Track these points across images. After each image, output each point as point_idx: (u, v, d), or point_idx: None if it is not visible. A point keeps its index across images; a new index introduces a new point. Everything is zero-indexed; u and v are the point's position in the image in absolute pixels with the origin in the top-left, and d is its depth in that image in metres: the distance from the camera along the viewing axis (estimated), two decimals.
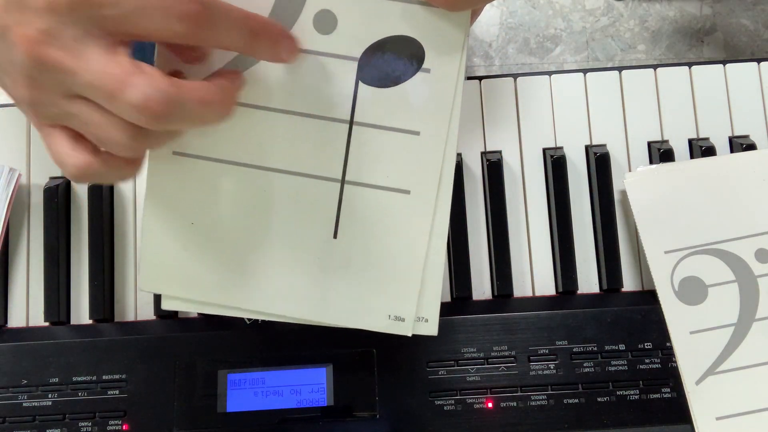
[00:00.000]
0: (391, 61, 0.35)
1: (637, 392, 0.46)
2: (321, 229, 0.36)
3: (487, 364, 0.46)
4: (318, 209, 0.36)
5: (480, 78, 0.53)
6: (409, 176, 0.36)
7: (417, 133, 0.35)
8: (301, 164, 0.36)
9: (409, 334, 0.37)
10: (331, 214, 0.36)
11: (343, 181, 0.36)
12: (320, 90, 0.35)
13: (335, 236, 0.36)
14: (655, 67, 0.53)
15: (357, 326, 0.38)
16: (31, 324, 0.51)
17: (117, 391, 0.46)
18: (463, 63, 0.34)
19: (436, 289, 0.37)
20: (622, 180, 0.51)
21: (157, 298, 0.50)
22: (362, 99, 0.35)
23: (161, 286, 0.38)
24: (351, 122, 0.35)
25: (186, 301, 0.38)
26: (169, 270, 0.37)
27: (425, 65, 0.35)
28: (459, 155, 0.52)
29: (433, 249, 0.36)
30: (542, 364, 0.46)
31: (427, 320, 0.37)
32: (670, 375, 0.46)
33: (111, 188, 0.52)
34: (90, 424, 0.46)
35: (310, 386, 0.46)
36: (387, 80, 0.35)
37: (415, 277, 0.36)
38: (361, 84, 0.35)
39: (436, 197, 0.35)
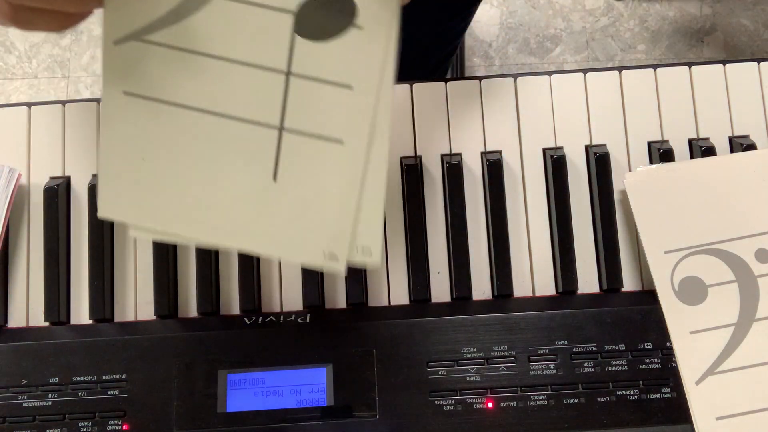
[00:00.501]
0: (325, 16, 0.37)
1: (637, 392, 0.46)
2: (262, 171, 0.39)
3: (487, 364, 0.46)
4: (259, 153, 0.39)
5: (480, 78, 0.53)
6: (343, 128, 0.38)
7: (350, 87, 0.38)
8: (242, 110, 0.38)
9: (343, 273, 0.40)
10: (271, 158, 0.39)
11: (281, 129, 0.38)
12: (259, 41, 0.37)
13: (275, 179, 0.39)
14: (655, 67, 0.53)
15: (294, 260, 0.43)
16: (31, 324, 0.51)
17: (117, 391, 0.46)
18: (395, 23, 0.37)
19: (378, 220, 0.39)
20: (622, 180, 0.51)
21: (158, 298, 0.50)
22: (299, 51, 0.37)
23: (116, 215, 0.40)
24: (288, 73, 0.38)
25: (139, 229, 0.41)
26: (123, 200, 0.40)
27: (358, 22, 0.37)
28: (459, 155, 0.52)
29: (370, 186, 0.38)
30: (542, 364, 0.46)
31: (369, 249, 0.39)
32: (670, 375, 0.46)
33: None
34: (90, 424, 0.46)
35: (310, 386, 0.46)
36: (321, 35, 0.37)
37: (348, 221, 0.39)
38: (297, 37, 0.38)
39: (368, 149, 0.38)
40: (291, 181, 0.39)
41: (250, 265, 0.50)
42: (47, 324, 0.50)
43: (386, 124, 0.38)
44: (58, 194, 0.50)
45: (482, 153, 0.52)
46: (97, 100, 0.53)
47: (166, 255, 0.50)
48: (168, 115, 0.39)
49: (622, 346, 0.46)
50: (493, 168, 0.51)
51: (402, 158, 0.52)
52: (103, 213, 0.40)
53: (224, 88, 0.38)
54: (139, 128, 0.39)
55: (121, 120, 0.39)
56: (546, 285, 0.51)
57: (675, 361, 0.46)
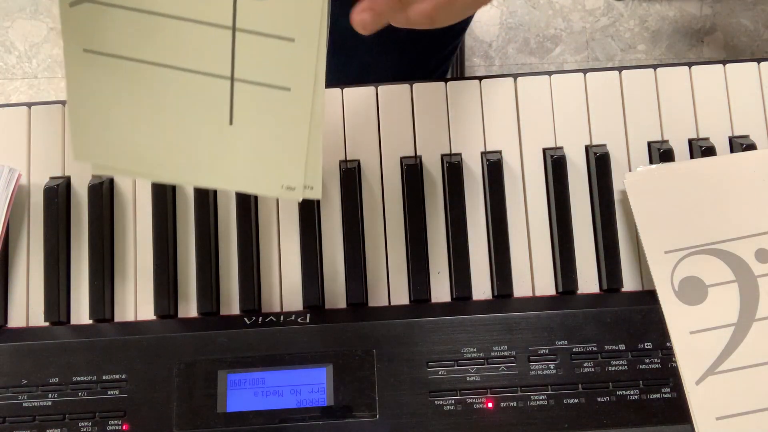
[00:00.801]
0: None
1: (637, 392, 0.46)
2: (218, 117, 0.42)
3: (487, 364, 0.46)
4: (214, 101, 0.42)
5: (480, 78, 0.53)
6: (288, 76, 0.41)
7: (292, 40, 0.41)
8: (195, 63, 0.41)
9: (299, 200, 0.45)
10: (226, 105, 0.42)
11: (232, 79, 0.41)
12: (205, 0, 0.41)
13: (231, 123, 0.42)
14: (655, 67, 0.53)
15: (255, 193, 0.48)
16: (31, 324, 0.51)
17: (117, 391, 0.46)
18: None
19: (317, 161, 0.43)
20: (622, 180, 0.51)
21: (158, 298, 0.50)
22: (242, 9, 0.40)
23: (90, 158, 0.43)
24: (234, 29, 0.41)
25: (111, 169, 0.45)
26: (95, 145, 0.43)
27: None
28: (459, 155, 0.52)
29: (313, 130, 0.42)
30: (542, 364, 0.46)
31: (312, 188, 0.43)
32: (670, 375, 0.46)
33: (111, 188, 0.52)
34: (90, 424, 0.46)
35: (310, 386, 0.46)
36: None
37: (301, 155, 0.42)
38: None
39: (312, 93, 0.41)
40: (246, 125, 0.42)
41: (250, 265, 0.50)
42: (47, 324, 0.50)
43: (323, 68, 0.41)
44: (58, 194, 0.50)
45: (482, 153, 0.52)
46: None
47: (166, 255, 0.50)
48: (127, 69, 0.41)
49: (622, 346, 0.46)
50: (493, 168, 0.51)
51: (402, 158, 0.52)
52: (77, 156, 0.43)
53: (177, 44, 0.41)
54: (101, 82, 0.42)
55: (83, 75, 0.41)
56: (546, 285, 0.51)
57: (675, 361, 0.46)
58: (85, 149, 0.43)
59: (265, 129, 0.42)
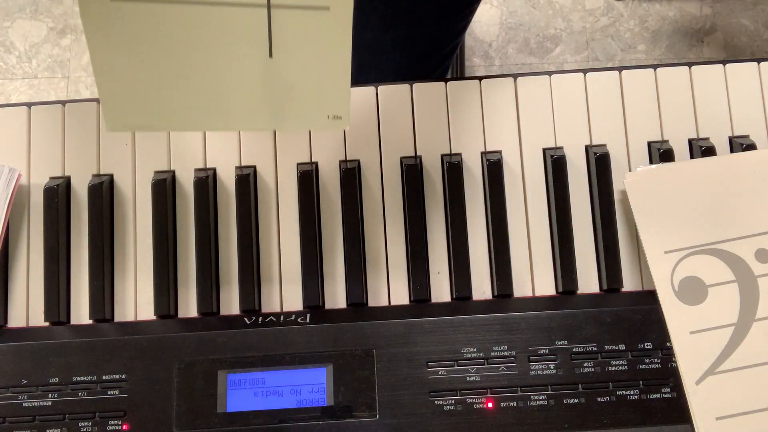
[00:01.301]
0: None
1: (637, 392, 0.46)
2: (257, 51, 0.40)
3: (487, 364, 0.46)
4: (252, 33, 0.40)
5: (480, 78, 0.53)
6: None
7: None
8: None
9: (346, 128, 0.43)
10: (264, 36, 0.40)
11: (269, 5, 0.40)
12: None
13: (271, 55, 0.40)
14: (655, 67, 0.53)
15: (302, 129, 0.45)
16: (31, 324, 0.51)
17: (117, 391, 0.46)
18: None
19: (347, 91, 0.42)
20: (622, 180, 0.51)
21: (158, 298, 0.50)
22: None
23: (123, 125, 0.42)
24: None
25: (147, 128, 0.43)
26: (128, 109, 0.41)
27: None
28: (459, 155, 0.52)
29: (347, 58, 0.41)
30: (542, 364, 0.46)
31: (340, 117, 0.42)
32: (670, 375, 0.46)
33: (111, 188, 0.52)
34: (90, 424, 0.46)
35: (310, 386, 0.46)
36: None
37: (345, 79, 0.41)
38: None
39: (351, 9, 0.40)
40: (287, 55, 0.40)
41: (250, 265, 0.50)
42: (47, 324, 0.50)
43: None
44: (58, 194, 0.50)
45: (482, 153, 0.52)
46: (98, 100, 0.53)
47: (166, 255, 0.50)
48: (156, 12, 0.39)
49: (622, 346, 0.46)
50: (493, 168, 0.51)
51: (402, 158, 0.52)
52: (111, 127, 0.41)
53: None
54: (130, 32, 0.39)
55: (111, 27, 0.39)
56: (546, 285, 0.51)
57: (675, 361, 0.46)
58: (118, 117, 0.41)
59: (307, 56, 0.40)
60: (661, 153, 0.50)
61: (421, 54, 0.74)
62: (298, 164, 0.52)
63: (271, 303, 0.51)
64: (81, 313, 0.51)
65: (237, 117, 0.41)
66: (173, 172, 0.52)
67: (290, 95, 0.41)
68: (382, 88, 0.53)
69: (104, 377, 0.46)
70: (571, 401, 0.46)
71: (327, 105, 0.41)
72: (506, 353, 0.46)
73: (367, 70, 0.72)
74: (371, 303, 0.51)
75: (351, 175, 0.51)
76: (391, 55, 0.71)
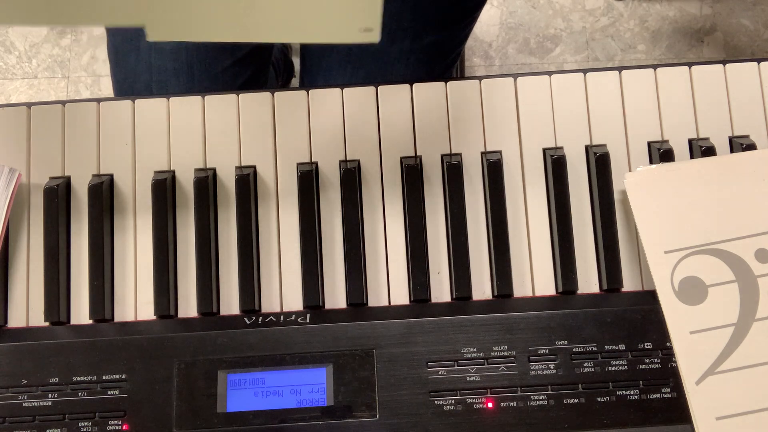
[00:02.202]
0: None
1: (637, 392, 0.46)
2: None
3: (487, 364, 0.46)
4: None
5: (480, 78, 0.53)
6: None
7: None
8: None
9: (377, 41, 0.41)
10: None
11: None
12: None
13: None
14: (655, 67, 0.53)
15: (333, 41, 0.43)
16: (31, 324, 0.51)
17: (117, 391, 0.46)
18: None
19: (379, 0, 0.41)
20: (622, 180, 0.51)
21: (157, 298, 0.50)
22: None
23: (165, 35, 0.41)
24: None
25: (180, 38, 0.42)
26: (170, 19, 0.40)
27: None
28: (459, 155, 0.52)
29: None
30: (542, 364, 0.46)
31: (372, 29, 0.40)
32: (670, 375, 0.46)
33: (111, 188, 0.52)
34: (90, 424, 0.46)
35: (310, 386, 0.46)
36: None
37: None
38: None
39: None
40: None
41: (250, 264, 0.50)
42: (47, 324, 0.50)
43: None
44: (58, 194, 0.50)
45: (482, 153, 0.52)
46: (97, 100, 0.53)
47: (166, 255, 0.50)
48: None
49: (622, 346, 0.46)
50: (493, 168, 0.51)
51: (402, 158, 0.52)
52: (152, 36, 0.40)
53: None
54: None
55: None
56: (546, 285, 0.51)
57: (675, 361, 0.46)
58: (162, 25, 0.40)
59: None
60: (661, 153, 0.50)
61: (426, 64, 0.75)
62: (298, 164, 0.52)
63: (271, 303, 0.51)
64: (81, 313, 0.51)
65: (270, 28, 0.40)
66: (173, 172, 0.52)
67: (318, 3, 0.40)
68: (382, 88, 0.53)
69: (104, 377, 0.46)
70: (571, 401, 0.46)
71: (357, 15, 0.40)
72: (506, 353, 0.46)
73: (374, 80, 0.73)
74: (371, 303, 0.51)
75: (351, 175, 0.51)
76: (396, 67, 0.72)
